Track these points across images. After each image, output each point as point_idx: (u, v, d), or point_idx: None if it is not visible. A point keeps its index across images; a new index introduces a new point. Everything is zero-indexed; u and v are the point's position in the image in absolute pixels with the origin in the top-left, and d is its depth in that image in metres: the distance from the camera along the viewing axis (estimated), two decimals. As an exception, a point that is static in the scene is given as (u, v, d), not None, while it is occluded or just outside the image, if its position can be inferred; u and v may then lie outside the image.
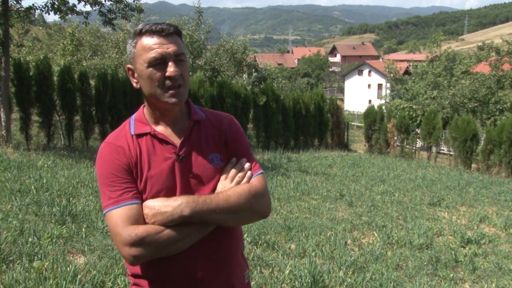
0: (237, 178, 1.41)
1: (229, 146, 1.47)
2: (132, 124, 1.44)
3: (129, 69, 1.43)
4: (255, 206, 1.40)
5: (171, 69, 1.33)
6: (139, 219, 1.30)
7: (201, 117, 1.47)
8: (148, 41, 1.34)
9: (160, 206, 1.30)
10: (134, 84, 1.43)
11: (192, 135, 1.43)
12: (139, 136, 1.40)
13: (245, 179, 1.42)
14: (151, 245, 1.26)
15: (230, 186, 1.39)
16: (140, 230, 1.27)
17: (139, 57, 1.36)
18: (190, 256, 1.35)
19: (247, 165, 1.45)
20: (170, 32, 1.36)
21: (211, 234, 1.37)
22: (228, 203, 1.34)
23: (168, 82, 1.34)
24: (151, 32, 1.35)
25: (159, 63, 1.33)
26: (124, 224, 1.28)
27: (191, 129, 1.43)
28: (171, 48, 1.34)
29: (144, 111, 1.46)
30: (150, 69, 1.34)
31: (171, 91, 1.35)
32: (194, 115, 1.46)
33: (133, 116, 1.47)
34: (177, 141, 1.41)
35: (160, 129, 1.42)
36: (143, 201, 1.34)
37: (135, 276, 1.42)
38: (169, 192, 1.36)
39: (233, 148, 1.47)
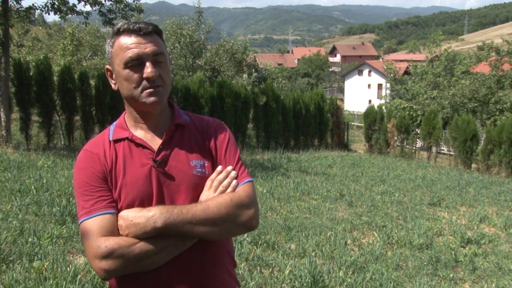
0: (220, 188, 1.30)
1: (215, 153, 1.37)
2: (111, 130, 1.36)
3: (108, 70, 1.36)
4: (238, 217, 1.27)
5: (148, 70, 1.25)
6: (113, 230, 1.21)
7: (185, 121, 1.38)
8: (125, 40, 1.26)
9: (133, 216, 1.20)
10: (113, 86, 1.36)
11: (173, 139, 1.33)
12: (116, 141, 1.32)
13: (229, 188, 1.30)
14: (122, 258, 1.17)
15: (213, 196, 1.29)
16: (110, 242, 1.17)
17: (116, 57, 1.28)
18: (167, 272, 1.25)
19: (233, 173, 1.33)
20: (148, 31, 1.27)
21: (191, 249, 1.26)
22: (206, 213, 1.22)
23: (145, 84, 1.26)
24: (128, 31, 1.26)
25: (136, 64, 1.25)
26: (95, 235, 1.18)
27: (172, 133, 1.34)
28: (148, 48, 1.26)
29: (125, 116, 1.39)
30: (127, 70, 1.26)
31: (148, 91, 1.26)
32: (177, 118, 1.37)
33: (114, 122, 1.40)
34: (156, 146, 1.31)
35: (140, 133, 1.33)
36: (118, 210, 1.25)
37: None
38: (145, 201, 1.26)
39: (220, 155, 1.36)
